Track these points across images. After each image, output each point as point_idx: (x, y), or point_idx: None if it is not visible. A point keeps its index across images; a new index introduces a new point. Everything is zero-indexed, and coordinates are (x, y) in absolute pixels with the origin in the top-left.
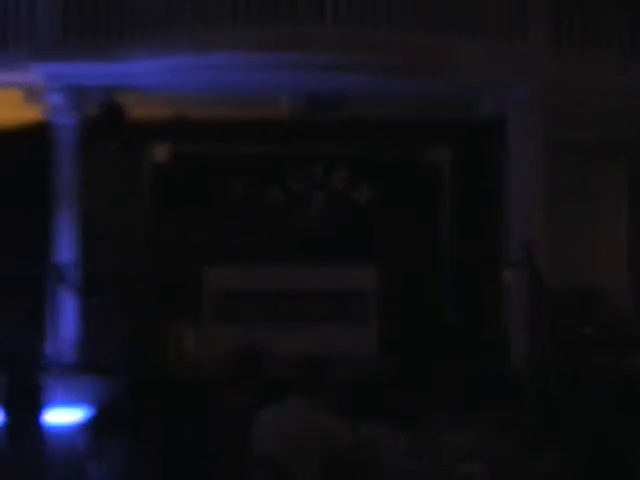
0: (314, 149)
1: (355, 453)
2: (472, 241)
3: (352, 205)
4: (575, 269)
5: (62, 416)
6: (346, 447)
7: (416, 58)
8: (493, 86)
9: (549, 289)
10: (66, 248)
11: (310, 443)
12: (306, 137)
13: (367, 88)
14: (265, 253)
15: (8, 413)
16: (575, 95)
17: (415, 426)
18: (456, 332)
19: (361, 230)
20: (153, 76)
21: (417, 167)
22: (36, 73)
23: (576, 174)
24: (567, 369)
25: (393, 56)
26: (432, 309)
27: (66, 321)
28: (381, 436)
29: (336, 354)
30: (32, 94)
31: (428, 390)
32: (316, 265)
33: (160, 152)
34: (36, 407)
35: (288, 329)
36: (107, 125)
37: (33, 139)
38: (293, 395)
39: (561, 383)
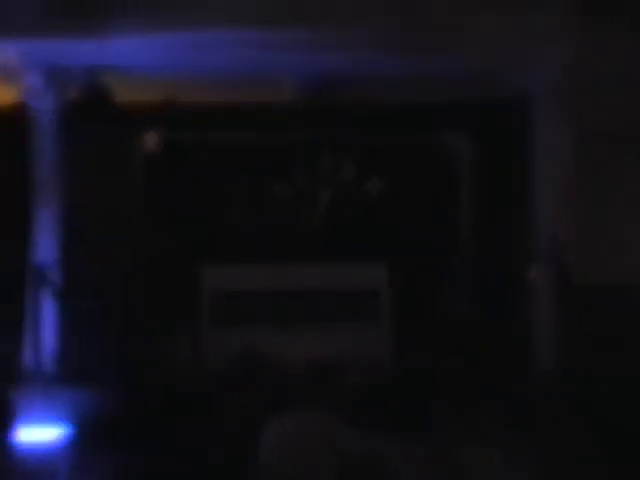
0: (320, 137)
1: (368, 467)
2: (494, 235)
3: (362, 199)
4: (608, 264)
5: (40, 433)
6: (358, 461)
7: (433, 33)
8: (518, 63)
9: (579, 286)
10: (47, 246)
11: (321, 456)
12: (311, 124)
13: (379, 67)
14: (268, 250)
15: None
16: (609, 73)
17: (433, 438)
18: (477, 334)
19: (372, 225)
20: (143, 55)
21: (433, 156)
22: (11, 51)
23: (611, 161)
24: (598, 371)
25: (407, 31)
26: (451, 310)
27: (47, 327)
28: (396, 450)
29: (346, 358)
30: (7, 75)
31: (447, 397)
32: (324, 263)
33: (151, 141)
34: (4, 424)
35: (294, 332)
36: (91, 110)
37: (8, 125)
38: (303, 405)
39: (592, 387)
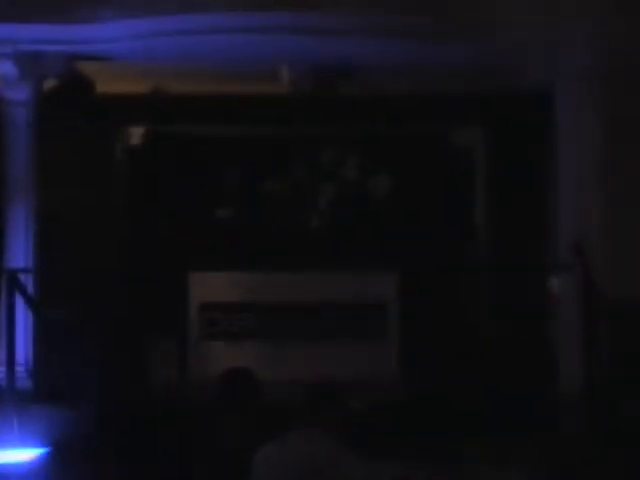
0: (321, 131)
1: None
2: (512, 241)
3: (368, 198)
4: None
5: (13, 456)
6: None
7: (444, 18)
8: (544, 50)
9: (607, 298)
10: (21, 250)
11: None
12: (312, 116)
13: (385, 56)
14: (264, 256)
15: None
16: None
17: (449, 463)
18: (495, 350)
19: (379, 228)
20: (127, 41)
21: (445, 151)
22: None
23: None
24: (631, 394)
25: (415, 17)
26: (465, 323)
27: (20, 338)
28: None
29: (350, 378)
30: None
31: (463, 419)
32: (325, 271)
33: (136, 135)
34: None
35: (292, 348)
36: (70, 101)
37: None
38: (298, 427)
39: (625, 411)
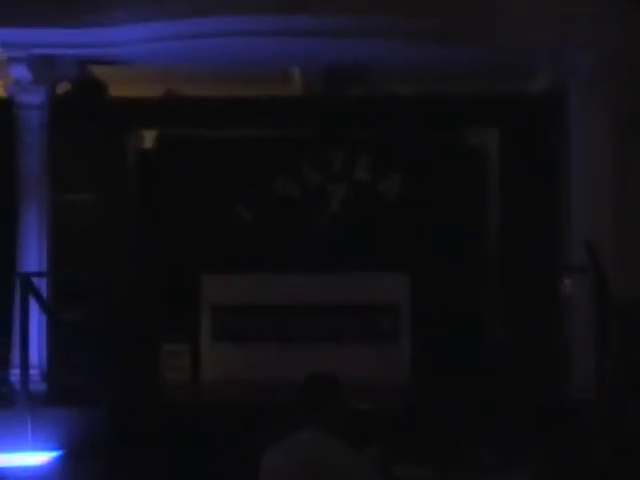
0: (333, 133)
1: None
2: (525, 242)
3: (379, 200)
4: None
5: (27, 458)
6: None
7: (455, 20)
8: (549, 52)
9: (620, 299)
10: (34, 253)
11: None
12: (323, 118)
13: (397, 58)
14: (275, 258)
15: None
16: None
17: (459, 466)
18: (507, 353)
19: (390, 230)
20: (139, 45)
21: (458, 153)
22: None
23: None
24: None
25: (427, 19)
26: (477, 325)
27: (34, 341)
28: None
29: (360, 381)
30: None
31: (473, 422)
32: (336, 273)
33: (148, 138)
34: None
35: (302, 350)
36: (83, 105)
37: None
38: (302, 427)
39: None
